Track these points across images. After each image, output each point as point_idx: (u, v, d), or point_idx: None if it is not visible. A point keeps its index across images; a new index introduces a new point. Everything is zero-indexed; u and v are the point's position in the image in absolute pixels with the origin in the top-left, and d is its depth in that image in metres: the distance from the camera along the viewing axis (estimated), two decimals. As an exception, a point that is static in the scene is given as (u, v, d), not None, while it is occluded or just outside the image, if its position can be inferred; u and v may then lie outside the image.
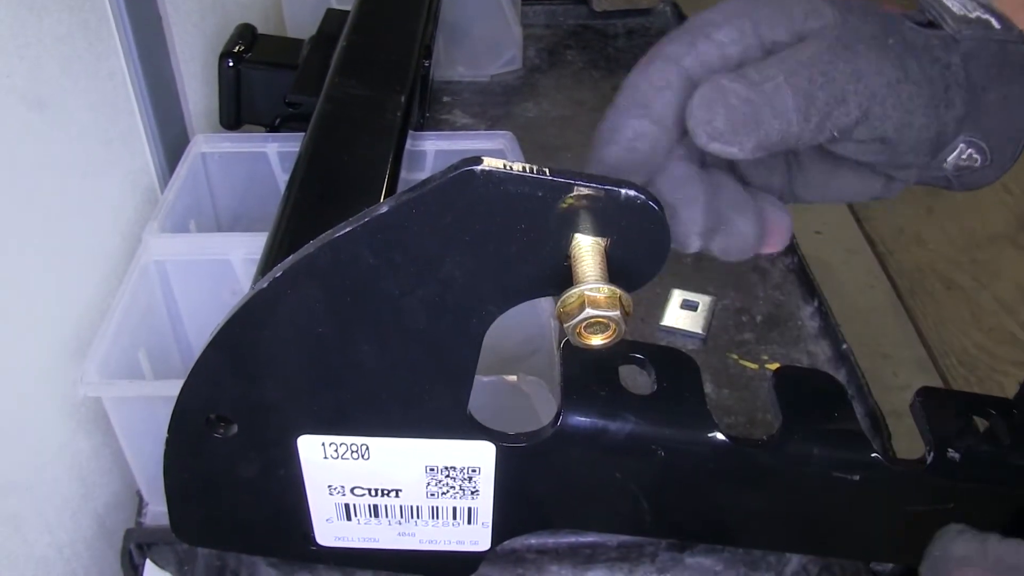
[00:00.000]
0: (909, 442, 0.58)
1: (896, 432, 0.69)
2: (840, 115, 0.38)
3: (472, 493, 0.50)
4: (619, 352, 0.49)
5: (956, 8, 0.42)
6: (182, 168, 0.75)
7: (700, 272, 0.87)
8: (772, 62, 0.39)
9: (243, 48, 0.86)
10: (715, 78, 0.38)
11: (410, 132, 0.71)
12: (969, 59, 0.41)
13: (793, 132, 0.38)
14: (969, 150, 0.42)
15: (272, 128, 0.87)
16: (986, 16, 0.42)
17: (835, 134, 0.39)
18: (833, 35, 0.39)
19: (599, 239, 0.38)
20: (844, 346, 0.76)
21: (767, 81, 0.38)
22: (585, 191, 0.37)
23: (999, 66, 0.41)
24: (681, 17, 1.33)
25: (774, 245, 0.45)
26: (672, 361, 0.50)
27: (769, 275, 0.87)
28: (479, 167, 0.36)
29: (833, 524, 0.52)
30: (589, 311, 0.37)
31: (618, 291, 0.38)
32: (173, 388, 0.46)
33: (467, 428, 0.47)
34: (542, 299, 0.44)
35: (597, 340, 0.39)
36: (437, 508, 0.51)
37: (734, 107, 0.37)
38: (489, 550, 0.53)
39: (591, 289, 0.37)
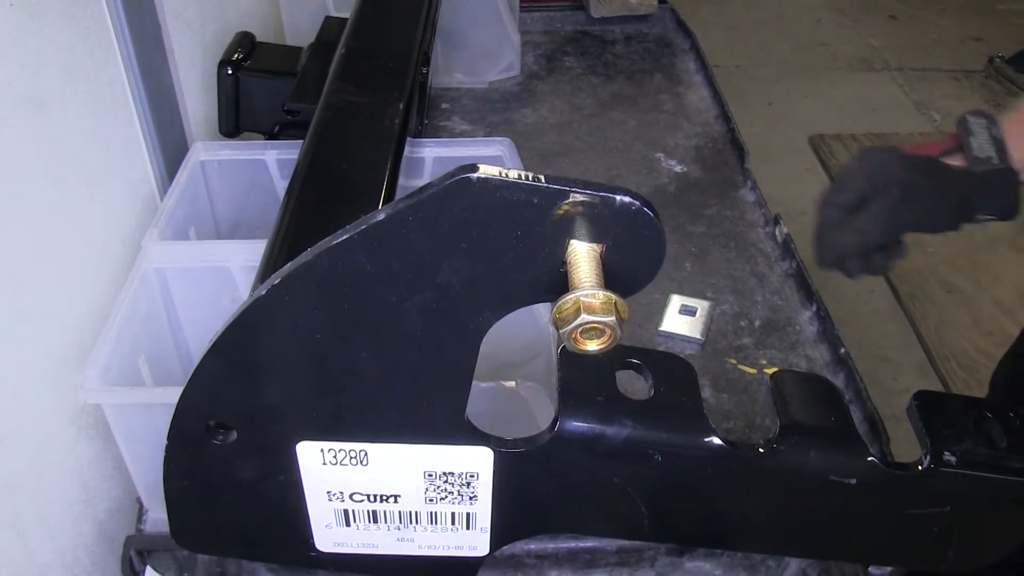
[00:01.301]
0: (910, 446, 0.58)
1: (896, 436, 0.69)
2: None
3: (470, 498, 0.50)
4: (616, 357, 0.50)
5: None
6: (181, 176, 0.75)
7: (698, 277, 0.87)
8: None
9: (242, 56, 0.86)
10: None
11: (408, 139, 0.71)
12: None
13: None
14: None
15: (271, 135, 0.87)
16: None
17: None
18: None
19: (595, 245, 0.39)
20: (843, 350, 0.76)
21: None
22: (580, 197, 0.37)
23: None
24: (679, 23, 1.34)
25: None
26: (669, 366, 0.50)
27: (767, 279, 0.87)
28: (475, 174, 0.37)
29: (831, 527, 0.53)
30: (584, 316, 0.37)
31: (613, 296, 0.38)
32: (173, 395, 0.46)
33: (465, 434, 0.47)
34: (540, 304, 0.45)
35: (593, 345, 0.39)
36: (436, 513, 0.51)
37: None
38: (488, 555, 0.53)
39: (586, 295, 0.37)
